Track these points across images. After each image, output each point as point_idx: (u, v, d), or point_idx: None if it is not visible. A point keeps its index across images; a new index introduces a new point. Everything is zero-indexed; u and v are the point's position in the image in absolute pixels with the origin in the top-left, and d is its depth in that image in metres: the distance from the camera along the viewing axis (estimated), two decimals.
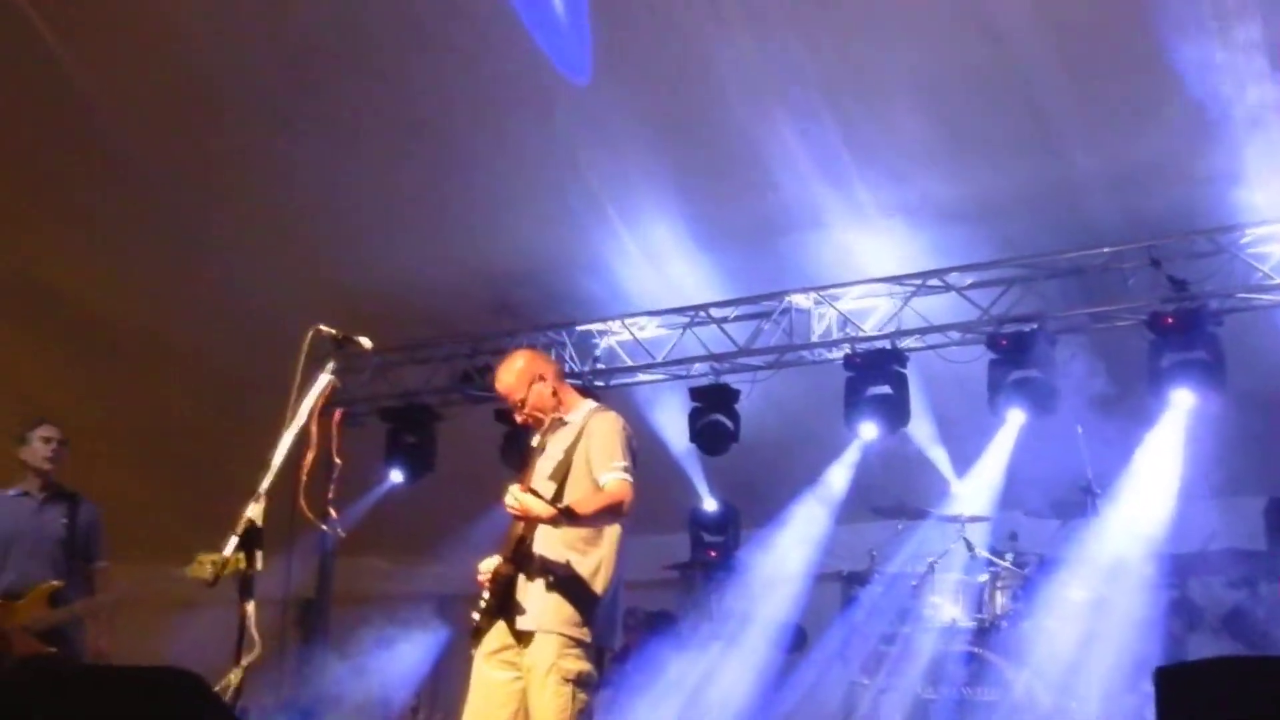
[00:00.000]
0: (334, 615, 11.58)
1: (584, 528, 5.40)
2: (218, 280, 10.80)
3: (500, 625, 5.48)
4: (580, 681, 5.35)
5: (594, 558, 5.46)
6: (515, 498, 5.27)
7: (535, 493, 5.27)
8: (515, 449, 9.76)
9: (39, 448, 7.31)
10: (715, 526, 11.60)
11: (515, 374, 5.80)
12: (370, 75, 9.19)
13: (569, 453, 5.51)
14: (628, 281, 10.37)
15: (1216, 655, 8.15)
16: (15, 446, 7.37)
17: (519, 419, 5.85)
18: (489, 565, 5.53)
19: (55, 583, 7.05)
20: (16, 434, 7.40)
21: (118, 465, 10.86)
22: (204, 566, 5.79)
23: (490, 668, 5.50)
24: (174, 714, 3.14)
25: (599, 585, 5.45)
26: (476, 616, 5.55)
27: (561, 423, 5.73)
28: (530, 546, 5.41)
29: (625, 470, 5.45)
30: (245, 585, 4.41)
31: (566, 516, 5.28)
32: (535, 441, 5.72)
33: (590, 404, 5.89)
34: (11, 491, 7.36)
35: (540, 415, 5.77)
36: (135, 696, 3.21)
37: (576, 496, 5.39)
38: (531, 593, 5.40)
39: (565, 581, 5.39)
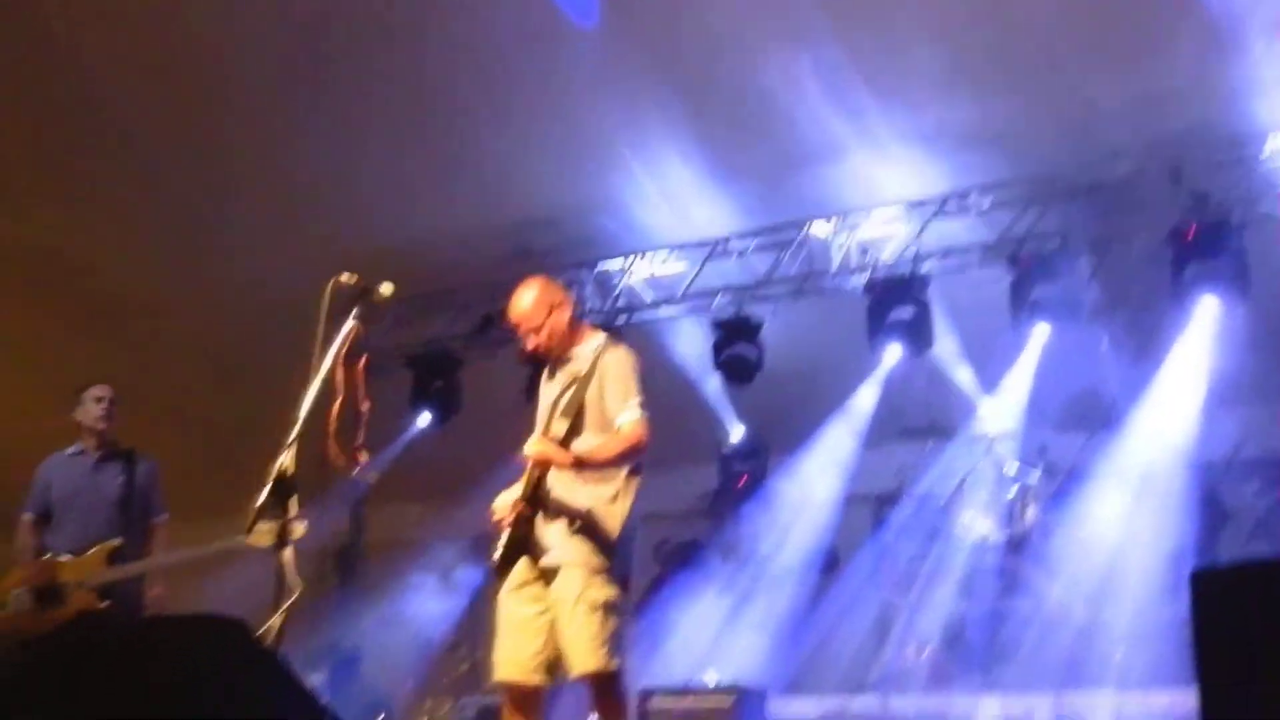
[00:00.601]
0: (369, 560, 11.72)
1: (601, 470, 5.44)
2: (231, 250, 10.85)
3: (523, 562, 5.51)
4: (610, 607, 5.36)
5: (609, 491, 5.47)
6: (536, 446, 5.35)
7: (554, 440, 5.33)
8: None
9: (92, 408, 7.43)
10: (743, 455, 11.64)
11: (533, 300, 5.69)
12: (377, 35, 9.17)
13: (580, 389, 5.48)
14: (645, 219, 10.35)
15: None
16: (70, 409, 7.49)
17: (531, 346, 5.71)
18: (504, 504, 5.57)
19: (115, 541, 7.17)
20: (70, 395, 7.53)
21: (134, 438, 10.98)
22: (263, 535, 5.92)
23: (516, 604, 5.54)
24: (219, 660, 3.20)
25: (616, 520, 5.46)
26: (497, 556, 5.62)
27: (569, 358, 5.70)
28: (546, 487, 5.45)
29: (641, 407, 5.43)
30: (281, 533, 4.49)
31: (585, 464, 5.35)
32: (544, 381, 5.75)
33: (600, 337, 5.79)
34: (69, 451, 7.51)
35: (553, 345, 5.72)
36: (180, 645, 3.27)
37: (590, 434, 5.42)
38: (552, 531, 5.45)
39: (584, 518, 5.42)
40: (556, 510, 5.45)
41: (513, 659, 5.50)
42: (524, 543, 5.50)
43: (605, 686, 5.42)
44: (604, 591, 5.38)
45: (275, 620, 4.39)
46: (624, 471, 5.49)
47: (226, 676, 3.16)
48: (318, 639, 10.51)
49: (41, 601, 7.09)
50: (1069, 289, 9.29)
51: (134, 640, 3.38)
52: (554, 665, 5.47)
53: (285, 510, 4.49)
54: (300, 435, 4.58)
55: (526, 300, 5.71)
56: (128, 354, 11.52)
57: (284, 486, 4.49)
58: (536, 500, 5.46)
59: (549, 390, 5.72)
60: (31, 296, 11.30)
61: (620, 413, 5.42)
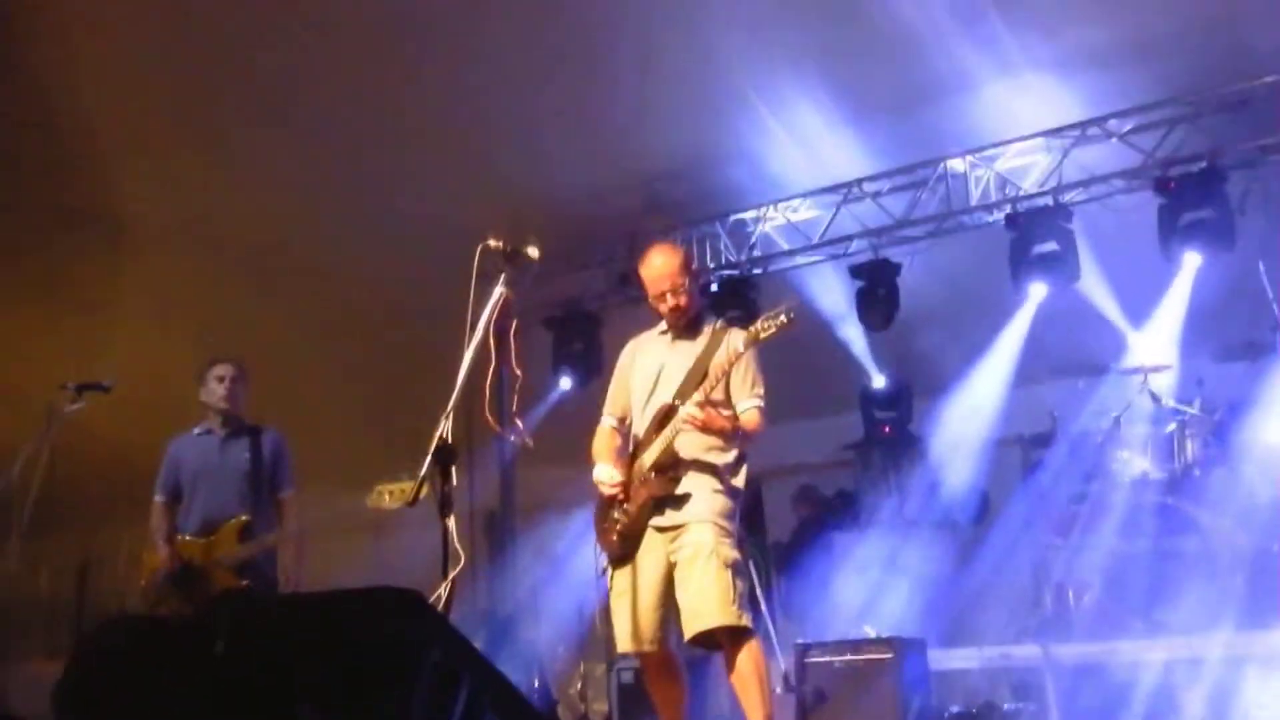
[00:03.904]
0: (519, 525, 11.77)
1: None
2: (382, 208, 10.95)
3: (650, 531, 5.62)
4: (738, 568, 5.53)
5: (733, 454, 5.67)
6: (697, 411, 5.41)
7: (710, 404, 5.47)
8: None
9: (214, 387, 7.40)
10: (887, 402, 11.47)
11: (681, 261, 5.85)
12: None
13: (702, 361, 5.63)
14: (777, 165, 10.22)
15: None
16: (195, 387, 7.49)
17: (673, 305, 5.80)
18: (612, 475, 5.72)
19: (244, 517, 7.19)
20: (194, 374, 7.51)
21: (300, 394, 11.10)
22: (382, 496, 5.95)
23: (647, 570, 5.63)
24: (399, 630, 3.21)
25: (741, 480, 5.70)
26: (621, 527, 5.68)
27: (694, 329, 5.84)
28: (677, 449, 5.59)
29: (763, 399, 5.65)
30: (444, 501, 4.50)
31: (739, 436, 5.58)
32: (656, 347, 5.91)
33: (712, 316, 6.05)
34: (196, 430, 7.49)
35: (689, 310, 5.85)
36: (359, 616, 3.29)
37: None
38: (684, 488, 5.57)
39: (714, 477, 5.60)
40: (691, 469, 5.59)
41: (643, 629, 5.62)
42: (657, 506, 5.60)
43: (740, 643, 5.49)
44: (733, 552, 5.54)
45: (444, 589, 4.40)
46: (735, 451, 5.68)
47: (410, 645, 3.16)
48: (474, 605, 10.61)
49: (180, 585, 7.11)
50: (1220, 212, 8.96)
51: (316, 613, 3.40)
52: (676, 629, 5.61)
53: (446, 478, 4.49)
54: (457, 403, 4.58)
55: (674, 260, 5.85)
56: (293, 310, 11.76)
57: (444, 455, 4.49)
58: (670, 465, 5.60)
59: (672, 357, 5.79)
60: (194, 263, 11.54)
61: (746, 398, 5.62)
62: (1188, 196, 9.01)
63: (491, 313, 4.78)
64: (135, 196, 11.23)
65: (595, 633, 9.81)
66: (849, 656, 7.57)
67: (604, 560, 5.81)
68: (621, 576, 5.67)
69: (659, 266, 5.81)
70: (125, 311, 11.89)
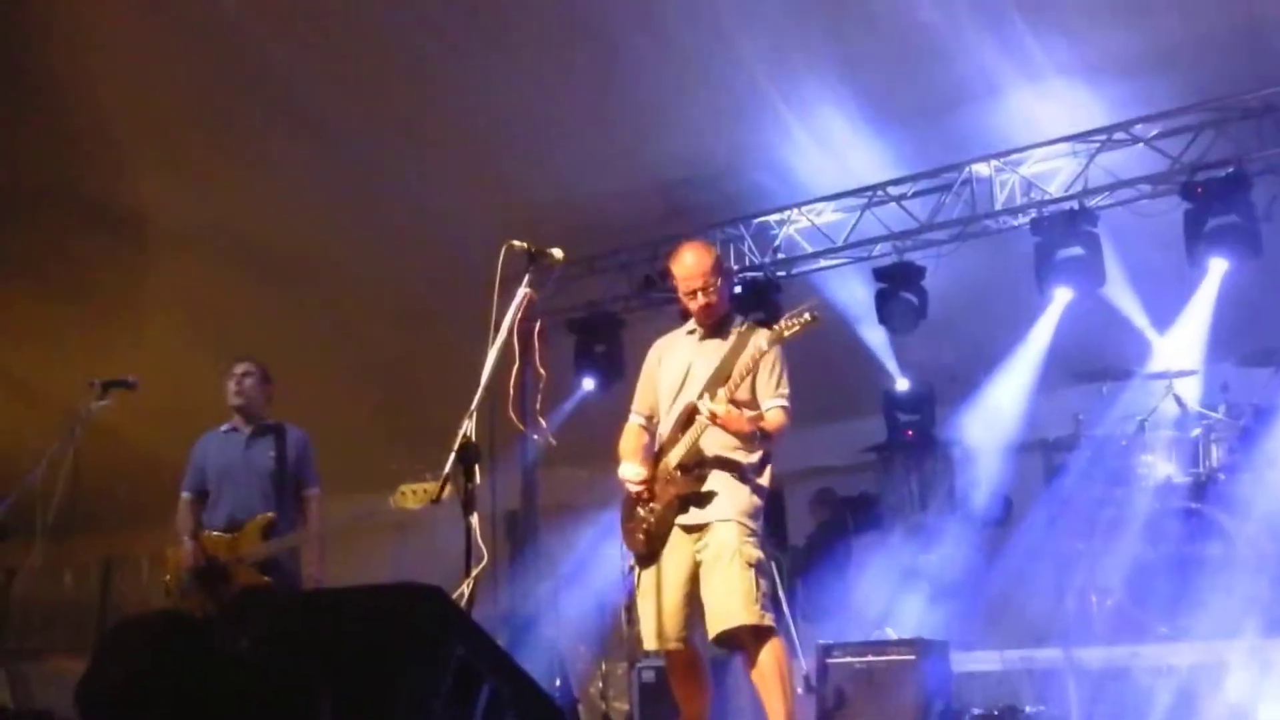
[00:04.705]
0: (540, 526, 11.79)
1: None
2: (402, 212, 11.05)
3: (675, 530, 5.64)
4: (760, 568, 5.55)
5: (755, 459, 5.68)
6: (717, 408, 5.42)
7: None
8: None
9: (229, 385, 7.50)
10: (910, 405, 11.44)
11: (713, 260, 5.86)
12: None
13: (729, 361, 5.65)
14: (801, 170, 10.21)
15: None
16: (222, 387, 7.57)
17: (703, 303, 5.82)
18: (638, 473, 5.74)
19: (268, 515, 7.24)
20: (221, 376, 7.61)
21: (322, 398, 11.19)
22: (406, 496, 5.98)
23: (672, 569, 5.65)
24: (422, 627, 3.23)
25: (766, 479, 5.72)
26: (646, 526, 5.70)
27: (723, 328, 5.86)
28: (702, 448, 5.60)
29: (788, 399, 5.66)
30: (467, 500, 4.51)
31: (761, 436, 5.57)
32: (683, 346, 5.92)
33: (739, 316, 6.02)
34: (222, 429, 7.58)
35: (719, 309, 5.85)
36: (382, 612, 3.31)
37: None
38: (709, 487, 5.60)
39: (739, 476, 5.63)
40: (716, 467, 5.60)
41: (668, 628, 5.65)
42: (683, 505, 5.62)
43: (762, 642, 5.51)
44: (755, 552, 5.56)
45: (465, 587, 4.42)
46: (760, 450, 5.69)
47: (433, 641, 3.19)
48: (495, 605, 10.64)
49: (204, 581, 7.18)
50: (1246, 217, 8.90)
51: (339, 609, 3.43)
52: (701, 627, 5.62)
53: (470, 477, 4.51)
54: (481, 403, 4.60)
55: (706, 259, 5.86)
56: (316, 316, 11.84)
57: (468, 453, 4.50)
58: (696, 463, 5.62)
59: (700, 356, 5.82)
60: (218, 268, 11.62)
61: (772, 398, 5.64)
62: (1214, 202, 8.94)
63: (515, 313, 4.79)
64: (159, 201, 11.35)
65: (617, 632, 9.87)
66: (871, 658, 7.58)
67: (630, 559, 5.84)
68: (647, 575, 5.70)
69: (691, 264, 5.83)
70: (148, 314, 12.02)
